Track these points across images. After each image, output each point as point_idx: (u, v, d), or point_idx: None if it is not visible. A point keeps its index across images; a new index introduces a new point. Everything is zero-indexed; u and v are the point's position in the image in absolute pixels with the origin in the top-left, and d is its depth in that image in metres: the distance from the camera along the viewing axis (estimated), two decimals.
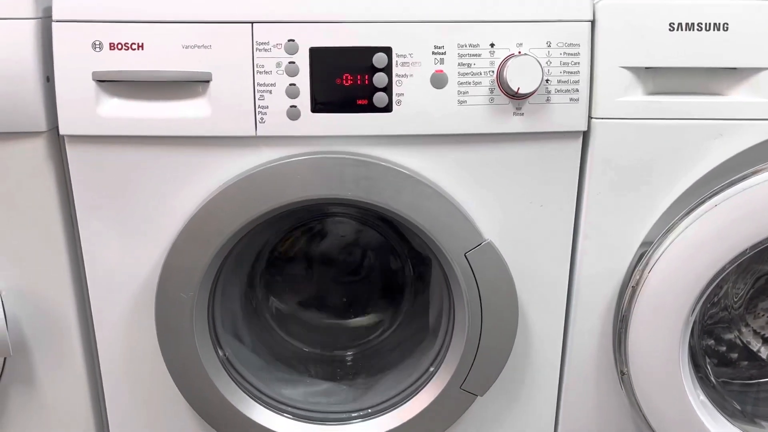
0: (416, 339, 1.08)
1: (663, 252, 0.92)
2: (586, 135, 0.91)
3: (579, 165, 0.92)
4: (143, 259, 0.93)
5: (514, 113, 0.88)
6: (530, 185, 0.92)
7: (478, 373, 0.96)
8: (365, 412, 1.02)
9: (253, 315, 1.11)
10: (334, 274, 1.15)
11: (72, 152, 0.88)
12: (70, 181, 0.90)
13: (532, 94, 0.86)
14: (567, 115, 0.88)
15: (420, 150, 0.90)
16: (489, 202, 0.93)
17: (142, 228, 0.92)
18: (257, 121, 0.86)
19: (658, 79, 0.90)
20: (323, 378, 1.08)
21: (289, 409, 1.01)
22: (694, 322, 0.95)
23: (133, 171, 0.89)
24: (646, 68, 0.89)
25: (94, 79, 0.84)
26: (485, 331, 0.94)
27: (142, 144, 0.88)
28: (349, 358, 1.13)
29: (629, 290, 0.95)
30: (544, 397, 1.04)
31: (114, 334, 0.97)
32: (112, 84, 0.85)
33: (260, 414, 0.99)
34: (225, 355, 1.00)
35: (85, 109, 0.85)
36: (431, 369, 1.01)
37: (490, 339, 0.95)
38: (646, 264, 0.93)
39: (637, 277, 0.94)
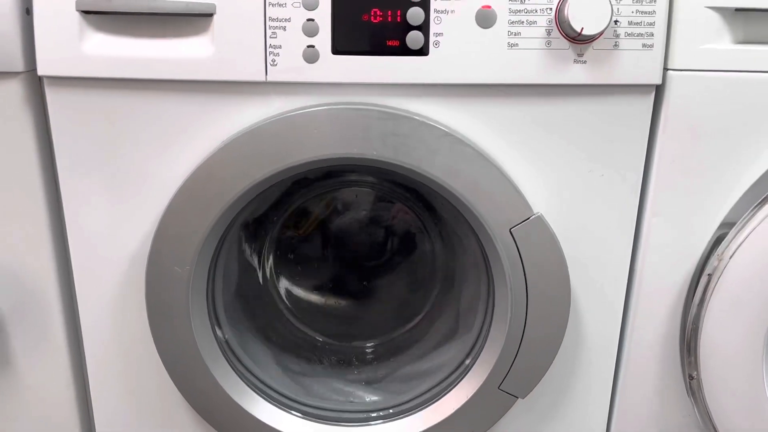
0: (447, 329, 0.94)
1: (747, 235, 0.77)
2: (660, 90, 0.77)
3: (649, 126, 0.78)
4: (134, 225, 0.81)
5: (574, 61, 0.73)
6: (589, 149, 0.78)
7: (520, 371, 0.82)
8: (386, 412, 0.89)
9: (260, 296, 0.98)
10: (354, 253, 1.01)
11: (52, 97, 0.76)
12: (50, 131, 0.77)
13: (597, 37, 0.72)
14: (638, 65, 0.74)
15: (460, 103, 0.76)
16: (540, 169, 0.79)
17: (132, 189, 0.79)
18: (268, 64, 0.73)
19: (752, 23, 0.75)
20: (339, 371, 0.94)
21: (298, 406, 0.88)
22: None
23: (122, 121, 0.77)
24: (737, 9, 0.74)
25: (78, 10, 0.72)
26: (530, 322, 0.80)
27: (134, 88, 0.75)
28: (369, 350, 0.99)
29: (704, 279, 0.80)
30: (595, 401, 0.90)
31: (100, 312, 0.85)
32: (98, 16, 0.73)
33: (263, 410, 0.86)
34: (225, 338, 0.86)
35: (67, 46, 0.73)
36: (466, 363, 0.87)
37: (536, 332, 0.80)
38: (726, 248, 0.78)
39: (715, 264, 0.79)
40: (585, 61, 0.73)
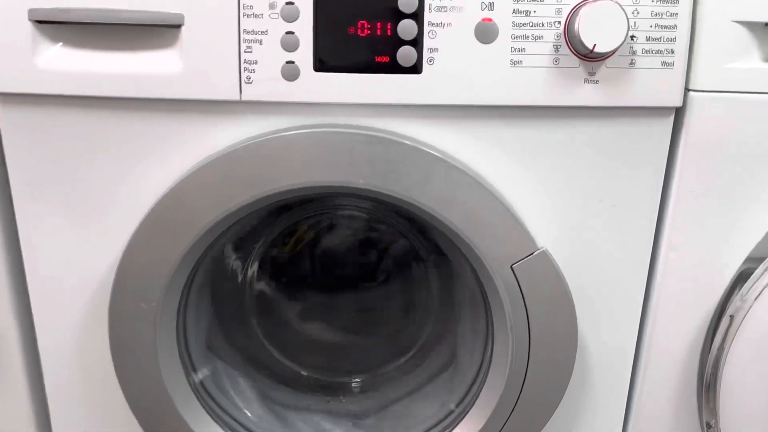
0: (440, 369, 0.86)
1: None
2: (680, 113, 0.69)
3: (667, 153, 0.70)
4: (96, 255, 0.73)
5: (585, 80, 0.66)
6: (601, 177, 0.70)
7: (521, 419, 0.75)
8: None
9: (239, 328, 0.90)
10: (341, 282, 0.94)
11: (5, 114, 0.69)
12: (3, 152, 0.70)
13: (611, 54, 0.64)
14: (657, 85, 0.66)
15: (457, 126, 0.68)
16: (545, 199, 0.71)
17: (94, 216, 0.72)
18: (242, 81, 0.65)
19: None
20: (323, 411, 0.87)
21: None
22: None
23: (82, 142, 0.69)
24: (767, 24, 0.66)
25: (30, 20, 0.64)
26: (533, 366, 0.73)
27: (94, 107, 0.68)
28: (356, 387, 0.92)
29: (726, 320, 0.73)
30: None
31: (62, 348, 0.78)
32: (54, 26, 0.65)
33: None
34: (200, 380, 0.79)
35: (19, 60, 0.65)
36: (459, 409, 0.79)
37: (539, 377, 0.73)
38: (751, 288, 0.71)
39: (738, 305, 0.72)
40: (597, 81, 0.66)
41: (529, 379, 0.73)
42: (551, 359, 0.73)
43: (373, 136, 0.66)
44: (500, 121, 0.68)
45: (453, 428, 0.77)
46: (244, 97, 0.66)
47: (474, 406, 0.76)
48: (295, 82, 0.65)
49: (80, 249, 0.73)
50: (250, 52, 0.65)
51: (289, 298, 0.94)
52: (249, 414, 0.82)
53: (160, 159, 0.69)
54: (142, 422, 0.76)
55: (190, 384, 0.77)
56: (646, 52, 0.65)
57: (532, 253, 0.69)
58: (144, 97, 0.66)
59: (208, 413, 0.78)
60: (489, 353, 0.76)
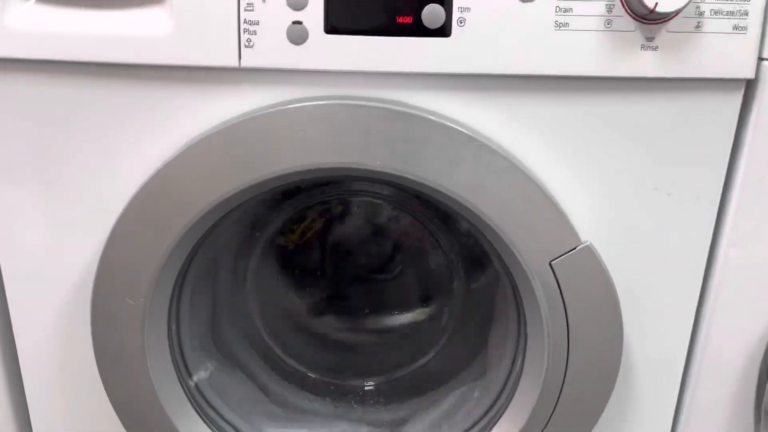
0: (465, 373, 0.78)
1: None
2: (751, 86, 0.59)
3: (734, 133, 0.60)
4: (77, 245, 0.65)
5: (643, 46, 0.56)
6: (655, 162, 0.61)
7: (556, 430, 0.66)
8: None
9: (240, 325, 0.82)
10: (354, 275, 0.85)
11: None
12: None
13: (674, 15, 0.55)
14: (726, 54, 0.57)
15: (490, 99, 0.59)
16: (591, 186, 0.62)
17: (74, 200, 0.64)
18: (242, 45, 0.56)
19: None
20: (331, 416, 0.79)
21: None
22: None
23: (59, 115, 0.61)
24: None
25: None
26: (571, 375, 0.64)
27: (70, 74, 0.59)
28: (369, 391, 0.83)
29: None
30: None
31: (42, 351, 0.70)
32: None
33: None
34: (195, 384, 0.71)
35: None
36: (486, 419, 0.70)
37: (578, 387, 0.64)
38: None
39: None
40: (656, 48, 0.56)
41: (565, 391, 0.64)
42: (592, 369, 0.64)
43: (393, 111, 0.57)
44: (541, 94, 0.58)
45: None
46: (244, 64, 0.57)
47: (502, 418, 0.68)
48: (303, 46, 0.56)
49: (58, 238, 0.65)
50: (252, 10, 0.55)
51: (296, 292, 0.85)
52: (248, 419, 0.74)
53: (146, 136, 0.61)
54: (129, 429, 0.68)
55: (183, 388, 0.69)
56: (715, 13, 0.55)
57: (574, 249, 0.60)
58: (128, 62, 0.58)
59: (202, 419, 0.70)
60: (520, 361, 0.67)
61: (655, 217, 0.63)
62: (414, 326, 0.85)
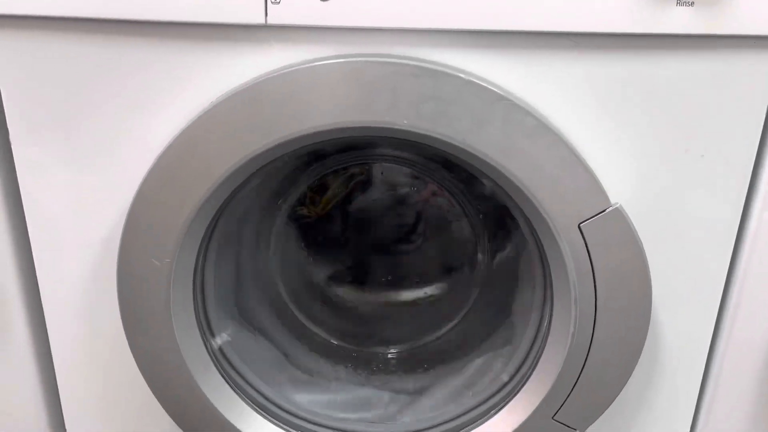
0: (489, 340, 0.77)
1: None
2: None
3: None
4: (103, 206, 0.65)
5: (679, 2, 0.55)
6: (688, 122, 0.60)
7: (581, 400, 0.65)
8: None
9: (264, 291, 0.82)
10: (377, 244, 0.84)
11: None
12: None
13: None
14: (765, 10, 0.54)
15: (519, 57, 0.58)
16: (621, 147, 0.61)
17: (100, 161, 0.64)
18: (268, 2, 0.55)
19: None
20: (354, 383, 0.79)
21: (306, 425, 0.73)
22: None
23: (84, 75, 0.60)
24: None
25: None
26: (597, 341, 0.63)
27: (97, 32, 0.59)
28: (392, 358, 0.83)
29: None
30: None
31: (68, 308, 0.71)
32: None
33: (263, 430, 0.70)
34: (219, 347, 0.71)
35: None
36: (511, 385, 0.70)
37: (604, 353, 0.64)
38: None
39: None
40: (692, 2, 0.54)
41: (591, 359, 0.63)
42: (618, 336, 0.63)
43: (421, 68, 0.55)
44: (572, 52, 0.57)
45: (504, 405, 0.68)
46: (270, 21, 0.56)
47: (526, 385, 0.67)
48: (330, 2, 0.55)
49: (85, 199, 0.65)
50: None
51: (319, 260, 0.85)
52: (271, 383, 0.74)
53: (171, 95, 0.60)
54: (155, 390, 0.69)
55: (207, 350, 0.69)
56: None
57: (603, 211, 0.58)
58: (153, 20, 0.57)
59: (226, 382, 0.70)
60: (545, 328, 0.66)
61: (687, 179, 0.61)
62: (437, 295, 0.85)
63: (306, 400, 0.75)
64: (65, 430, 0.76)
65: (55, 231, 0.66)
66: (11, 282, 0.69)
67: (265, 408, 0.72)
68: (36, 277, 0.69)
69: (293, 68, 0.56)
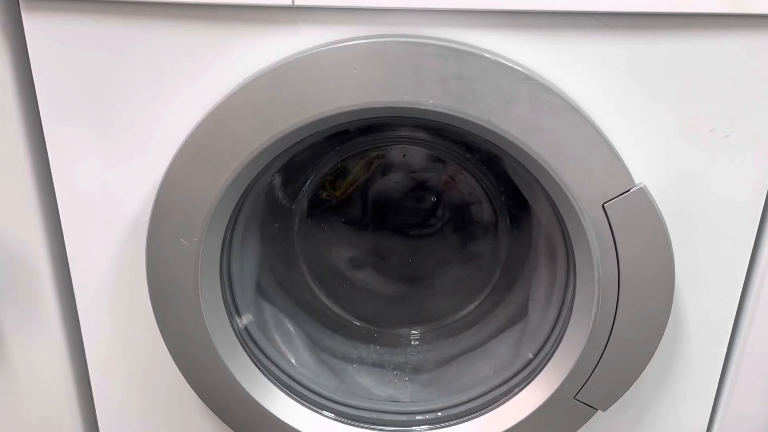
0: (511, 320, 0.78)
1: None
2: None
3: None
4: (132, 185, 0.66)
5: None
6: (713, 102, 0.60)
7: (603, 380, 0.66)
8: (434, 416, 0.74)
9: (289, 272, 0.83)
10: (400, 223, 0.85)
11: (31, 24, 0.61)
12: (31, 67, 0.63)
13: None
14: None
15: (543, 37, 0.58)
16: (645, 127, 0.61)
17: (130, 141, 0.65)
18: None
19: None
20: (377, 364, 0.80)
21: (330, 404, 0.74)
22: None
23: (115, 56, 0.61)
24: None
25: None
26: (620, 321, 0.63)
27: (126, 13, 0.60)
28: (415, 339, 0.84)
29: None
30: (693, 417, 0.73)
31: (98, 288, 0.72)
32: None
33: (288, 409, 0.72)
34: (245, 326, 0.72)
35: None
36: (533, 364, 0.71)
37: (626, 333, 0.64)
38: None
39: None
40: None
41: (613, 338, 0.64)
42: (641, 316, 0.63)
43: (446, 48, 0.56)
44: (596, 31, 0.57)
45: (527, 384, 0.69)
46: (298, 2, 0.57)
47: (548, 364, 0.68)
48: None
49: (114, 179, 0.66)
50: None
51: (343, 240, 0.86)
52: (295, 363, 0.76)
53: (200, 76, 0.61)
54: (182, 368, 0.70)
55: (234, 329, 0.70)
56: None
57: (627, 191, 0.59)
58: (182, 1, 0.58)
59: (252, 361, 0.71)
60: (569, 304, 0.67)
61: (712, 159, 0.61)
62: (459, 275, 0.85)
63: (329, 379, 0.77)
64: (94, 406, 0.78)
65: (85, 210, 0.68)
66: (43, 261, 0.71)
67: (290, 387, 0.73)
68: (67, 256, 0.70)
69: (319, 49, 0.57)
